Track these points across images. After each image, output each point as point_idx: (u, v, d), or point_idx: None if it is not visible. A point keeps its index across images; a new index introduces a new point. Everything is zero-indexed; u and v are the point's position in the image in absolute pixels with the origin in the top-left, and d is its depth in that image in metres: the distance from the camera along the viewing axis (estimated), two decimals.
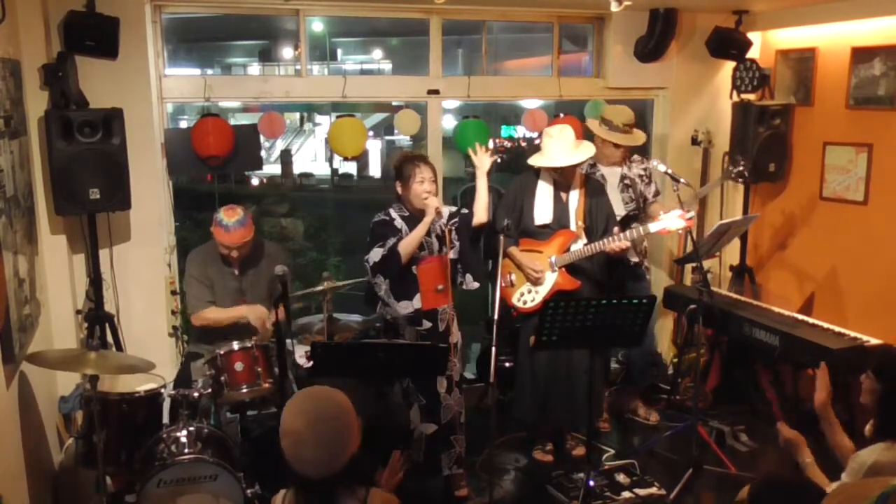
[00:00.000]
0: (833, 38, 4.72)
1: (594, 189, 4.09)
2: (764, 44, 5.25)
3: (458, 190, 5.91)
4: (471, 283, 3.80)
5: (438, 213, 3.60)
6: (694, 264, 4.50)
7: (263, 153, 5.77)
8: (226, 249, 3.79)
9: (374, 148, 18.58)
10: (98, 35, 3.87)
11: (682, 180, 4.20)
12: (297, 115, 18.66)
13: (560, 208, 4.00)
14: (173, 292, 4.46)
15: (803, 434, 2.84)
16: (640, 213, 4.42)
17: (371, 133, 14.72)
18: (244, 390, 3.48)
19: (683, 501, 3.82)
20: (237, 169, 5.20)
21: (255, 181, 15.19)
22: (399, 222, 3.68)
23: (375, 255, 3.62)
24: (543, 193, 4.00)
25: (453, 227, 3.73)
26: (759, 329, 4.14)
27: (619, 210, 4.31)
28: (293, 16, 4.70)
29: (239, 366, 3.46)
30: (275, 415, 3.85)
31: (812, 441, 2.85)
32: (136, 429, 3.26)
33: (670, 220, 3.76)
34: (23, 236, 3.38)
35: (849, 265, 4.73)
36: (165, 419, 3.42)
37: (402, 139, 16.04)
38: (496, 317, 3.42)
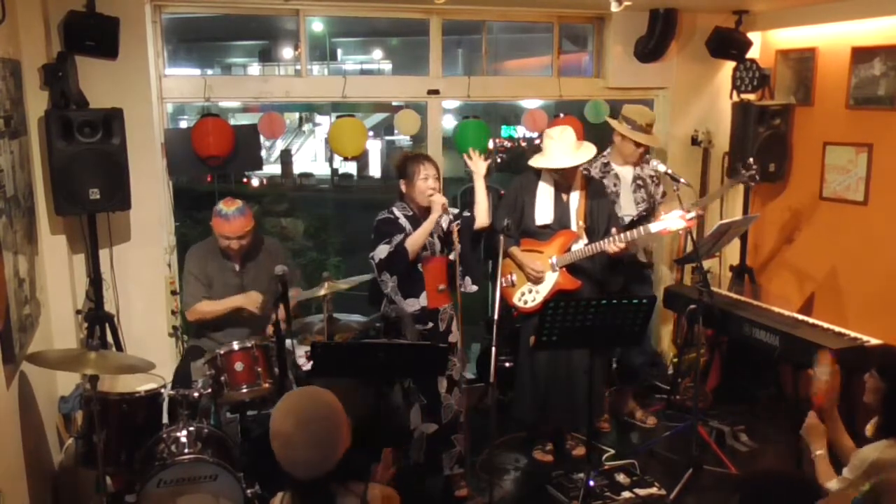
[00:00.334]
0: (833, 38, 4.72)
1: (595, 190, 4.09)
2: (764, 44, 5.25)
3: (458, 190, 5.91)
4: (469, 286, 3.80)
5: (445, 209, 3.60)
6: (694, 264, 4.50)
7: (263, 153, 5.78)
8: (226, 241, 3.78)
9: (374, 148, 18.60)
10: (98, 35, 3.87)
11: (682, 180, 4.21)
12: (297, 115, 18.66)
13: (561, 209, 4.00)
14: (173, 292, 4.45)
15: None
16: (651, 213, 4.42)
17: (371, 133, 14.73)
18: (244, 390, 3.47)
19: (683, 501, 3.81)
20: (237, 169, 5.20)
21: (255, 181, 15.19)
22: (403, 221, 3.67)
23: (381, 252, 3.61)
24: (544, 194, 4.00)
25: (456, 229, 3.73)
26: (759, 329, 4.14)
27: (631, 210, 4.30)
28: (293, 16, 4.70)
29: (239, 366, 3.46)
30: None
31: None
32: (136, 429, 3.26)
33: (671, 221, 3.76)
34: (23, 236, 3.38)
35: (849, 265, 4.73)
36: (165, 419, 3.42)
37: (402, 139, 16.06)
38: (496, 317, 3.42)
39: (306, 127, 19.71)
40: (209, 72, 12.44)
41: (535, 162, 3.98)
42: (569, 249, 3.95)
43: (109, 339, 4.04)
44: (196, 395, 3.34)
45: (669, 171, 4.14)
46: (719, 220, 4.53)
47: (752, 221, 4.82)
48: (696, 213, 3.86)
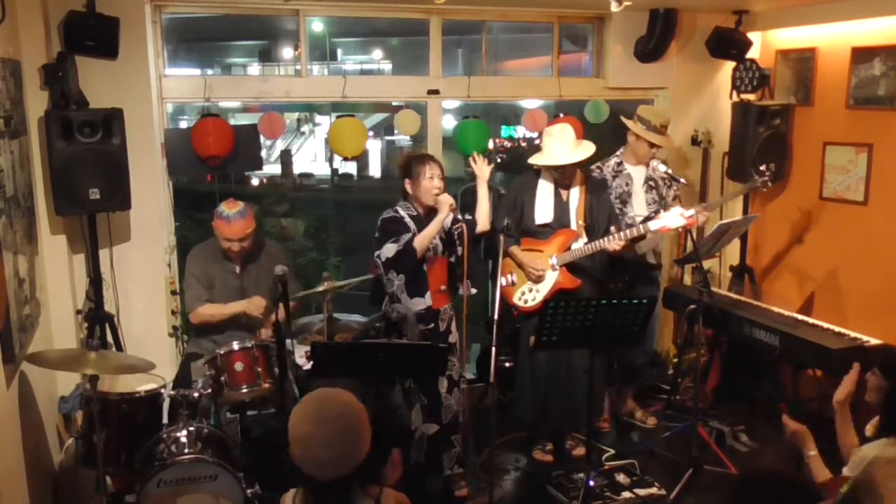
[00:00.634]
0: (833, 38, 4.72)
1: (595, 188, 4.09)
2: (764, 44, 5.25)
3: (458, 190, 5.92)
4: (469, 289, 3.79)
5: (453, 209, 3.59)
6: (694, 264, 4.50)
7: (263, 153, 5.77)
8: (227, 243, 3.78)
9: (374, 148, 18.61)
10: (98, 35, 3.87)
11: (682, 180, 4.21)
12: (296, 116, 18.67)
13: (560, 207, 4.00)
14: (173, 292, 4.46)
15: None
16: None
17: (371, 133, 14.72)
18: (244, 390, 3.47)
19: (683, 501, 3.81)
20: (237, 169, 5.20)
21: (255, 181, 15.19)
22: (408, 220, 3.67)
23: (388, 250, 3.60)
24: (544, 192, 4.01)
25: (460, 232, 3.73)
26: (759, 329, 4.14)
27: (642, 211, 4.29)
28: (293, 16, 4.70)
29: (239, 366, 3.45)
30: (275, 415, 3.86)
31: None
32: (136, 429, 3.26)
33: (670, 218, 3.76)
34: (23, 236, 3.38)
35: (849, 265, 4.73)
36: (165, 419, 3.42)
37: (402, 139, 16.06)
38: (496, 317, 3.42)
39: (305, 128, 19.72)
40: (209, 72, 12.45)
41: (535, 160, 3.99)
42: (569, 248, 3.96)
43: (109, 339, 4.04)
44: (196, 395, 3.34)
45: (669, 172, 4.15)
46: (719, 221, 4.53)
47: (752, 221, 4.82)
48: (694, 212, 3.86)
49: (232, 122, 4.67)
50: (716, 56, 5.10)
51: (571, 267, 3.97)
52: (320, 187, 18.34)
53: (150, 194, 4.25)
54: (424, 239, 3.57)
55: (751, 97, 5.12)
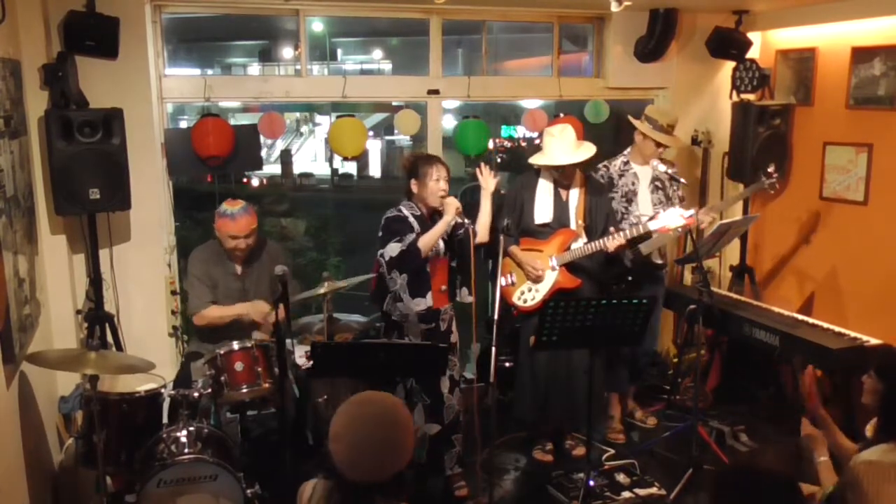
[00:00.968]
0: (833, 38, 4.72)
1: (594, 188, 4.09)
2: (764, 44, 5.25)
3: (458, 190, 5.92)
4: (465, 297, 3.79)
5: (459, 212, 3.58)
6: (694, 264, 4.50)
7: (263, 153, 5.77)
8: (233, 241, 3.78)
9: (374, 148, 18.59)
10: (98, 35, 3.87)
11: (682, 180, 4.21)
12: (295, 117, 18.66)
13: (560, 207, 4.00)
14: (173, 292, 4.46)
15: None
16: None
17: (371, 133, 14.72)
18: (244, 390, 3.47)
19: (683, 501, 3.81)
20: (237, 169, 5.20)
21: (255, 181, 15.18)
22: (412, 220, 3.67)
23: (392, 250, 3.59)
24: (544, 192, 4.01)
25: (462, 238, 3.72)
26: (759, 329, 4.14)
27: (648, 210, 4.28)
28: (293, 16, 4.70)
29: (239, 366, 3.45)
30: (275, 415, 3.86)
31: None
32: (136, 429, 3.26)
33: (669, 218, 3.76)
34: (23, 236, 3.38)
35: (849, 265, 4.73)
36: (165, 419, 3.42)
37: (402, 139, 16.05)
38: (496, 317, 3.42)
39: (305, 129, 19.71)
40: (209, 72, 12.44)
41: (536, 159, 3.99)
42: (568, 248, 3.96)
43: (109, 339, 4.04)
44: (196, 395, 3.34)
45: (669, 172, 4.15)
46: (719, 221, 4.53)
47: (752, 221, 4.82)
48: (694, 212, 3.86)
49: (232, 122, 4.67)
50: (716, 56, 5.10)
51: (571, 266, 3.97)
52: (320, 187, 18.32)
53: (150, 194, 4.25)
54: (429, 240, 3.57)
55: (751, 97, 5.12)
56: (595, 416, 3.96)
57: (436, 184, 3.64)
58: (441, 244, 3.70)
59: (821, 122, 4.87)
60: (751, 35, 5.08)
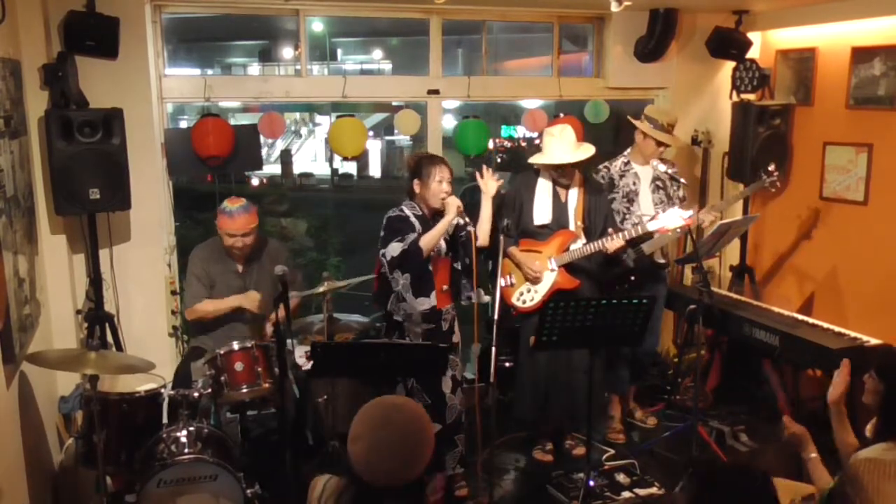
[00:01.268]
0: (833, 38, 4.72)
1: (593, 189, 4.09)
2: (764, 44, 5.25)
3: (459, 190, 5.92)
4: (483, 297, 3.76)
5: (460, 213, 3.58)
6: (694, 264, 4.50)
7: (263, 153, 5.77)
8: (230, 239, 3.78)
9: (374, 148, 18.60)
10: (98, 35, 3.87)
11: (682, 180, 4.21)
12: (295, 118, 18.66)
13: (559, 208, 4.00)
14: (173, 292, 4.46)
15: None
16: None
17: (371, 133, 14.72)
18: (244, 390, 3.47)
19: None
20: (237, 169, 5.20)
21: (255, 181, 15.18)
22: (413, 220, 3.67)
23: (394, 249, 3.59)
24: (543, 193, 4.01)
25: (465, 240, 3.72)
26: (759, 329, 4.14)
27: (649, 210, 4.27)
28: (293, 16, 4.70)
29: (239, 366, 3.45)
30: (275, 415, 3.86)
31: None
32: (136, 429, 3.26)
33: (668, 218, 3.76)
34: (23, 236, 3.38)
35: (849, 265, 4.73)
36: (165, 419, 3.42)
37: (402, 139, 16.07)
38: (496, 317, 3.42)
39: (304, 130, 19.73)
40: (209, 72, 12.44)
41: (535, 159, 3.99)
42: (567, 249, 3.96)
43: (109, 339, 4.04)
44: (196, 395, 3.34)
45: (670, 171, 4.15)
46: (719, 220, 4.53)
47: (752, 221, 4.82)
48: (693, 212, 3.86)
49: (232, 122, 4.67)
50: (716, 56, 5.10)
51: (570, 267, 3.97)
52: (320, 187, 18.33)
53: (150, 194, 4.25)
54: (430, 240, 3.57)
55: (751, 97, 5.12)
56: (595, 416, 3.97)
57: (438, 185, 3.64)
58: (443, 244, 3.70)
59: (821, 122, 4.87)
60: (751, 35, 5.08)
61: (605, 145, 4.47)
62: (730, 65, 5.17)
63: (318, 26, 11.38)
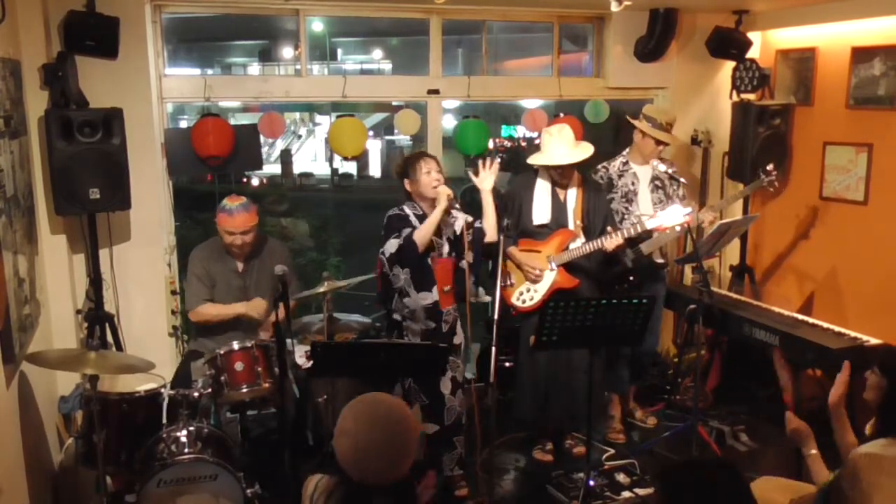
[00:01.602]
0: (833, 38, 4.72)
1: (592, 188, 4.09)
2: (764, 44, 5.25)
3: (459, 190, 5.93)
4: (482, 296, 3.77)
5: (450, 200, 3.57)
6: (694, 264, 4.50)
7: (263, 153, 5.78)
8: (230, 237, 3.78)
9: (374, 148, 18.63)
10: (98, 35, 3.87)
11: (682, 180, 4.21)
12: (295, 118, 18.68)
13: (558, 208, 4.00)
14: (173, 292, 4.46)
15: None
16: None
17: (371, 133, 14.73)
18: (244, 390, 3.47)
19: None
20: (237, 169, 5.20)
21: (255, 181, 15.19)
22: (413, 219, 3.67)
23: (391, 246, 3.61)
24: (542, 193, 4.01)
25: (470, 236, 3.71)
26: (759, 329, 4.14)
27: (649, 210, 4.26)
28: (293, 16, 4.70)
29: (239, 366, 3.45)
30: (275, 415, 3.86)
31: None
32: (136, 429, 3.26)
33: (667, 217, 3.75)
34: (23, 236, 3.38)
35: (849, 265, 4.73)
36: (165, 419, 3.42)
37: (402, 139, 16.06)
38: (496, 317, 3.42)
39: (303, 131, 19.74)
40: (209, 72, 12.46)
41: (534, 159, 3.99)
42: (566, 248, 3.96)
43: (109, 339, 4.04)
44: (196, 394, 3.34)
45: (670, 171, 4.15)
46: (719, 220, 4.53)
47: (752, 221, 4.82)
48: (691, 211, 3.86)
49: (232, 121, 4.67)
50: (716, 56, 5.10)
51: (569, 267, 3.97)
52: (320, 187, 18.35)
53: (150, 194, 4.25)
54: (424, 232, 3.57)
55: (751, 97, 5.12)
56: (595, 415, 3.97)
57: (427, 176, 3.64)
58: (445, 243, 3.71)
59: (821, 122, 4.87)
60: (751, 35, 5.08)
61: (604, 145, 4.47)
62: (730, 65, 5.17)
63: (318, 26, 11.40)
